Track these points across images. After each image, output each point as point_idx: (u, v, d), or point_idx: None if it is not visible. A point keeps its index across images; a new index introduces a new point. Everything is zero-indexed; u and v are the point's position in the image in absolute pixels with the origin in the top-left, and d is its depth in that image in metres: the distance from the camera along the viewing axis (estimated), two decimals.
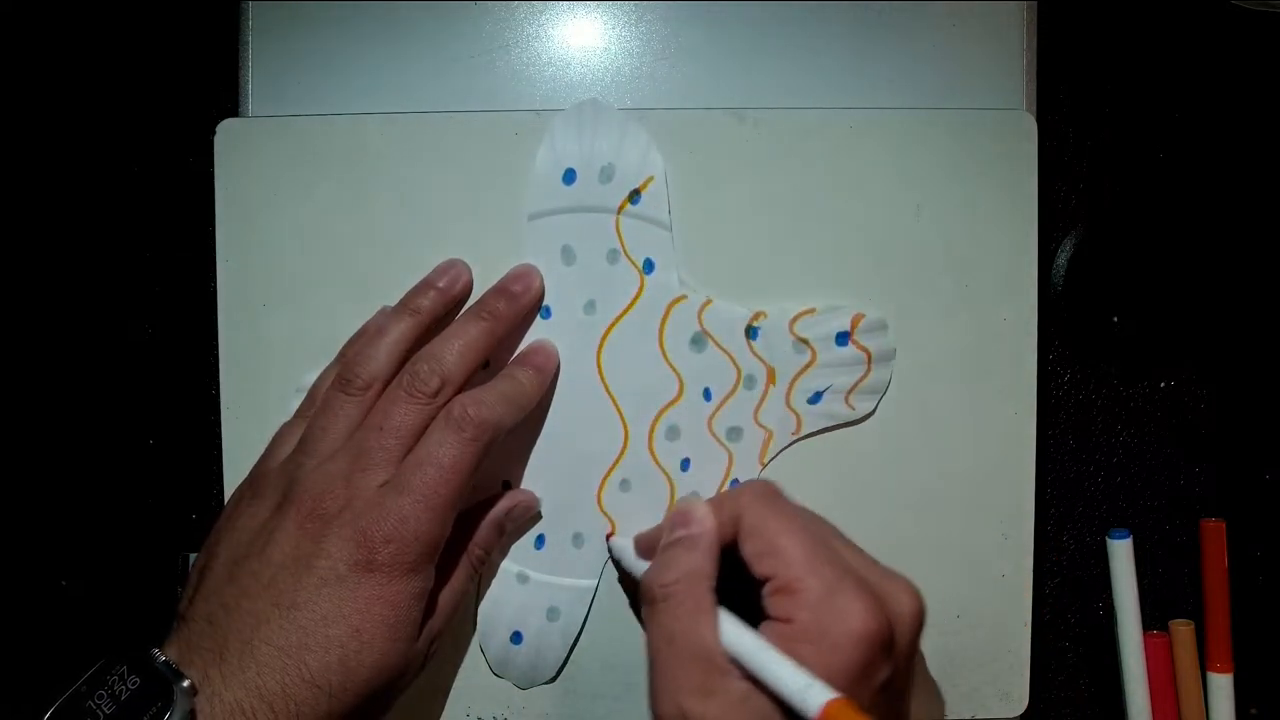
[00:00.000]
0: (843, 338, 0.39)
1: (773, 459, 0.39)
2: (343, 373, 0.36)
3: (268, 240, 0.39)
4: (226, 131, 0.39)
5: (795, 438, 0.39)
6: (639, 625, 0.39)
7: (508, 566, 0.39)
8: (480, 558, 0.37)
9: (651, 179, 0.38)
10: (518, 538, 0.39)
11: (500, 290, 0.38)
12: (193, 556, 0.42)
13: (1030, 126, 0.40)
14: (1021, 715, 0.41)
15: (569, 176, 0.38)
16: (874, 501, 0.40)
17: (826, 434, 0.39)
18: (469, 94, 0.40)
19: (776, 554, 0.30)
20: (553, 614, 0.39)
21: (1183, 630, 0.43)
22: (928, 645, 0.40)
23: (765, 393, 0.39)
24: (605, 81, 0.40)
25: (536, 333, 0.39)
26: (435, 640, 0.36)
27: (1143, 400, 0.44)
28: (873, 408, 0.39)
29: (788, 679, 0.28)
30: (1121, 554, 0.43)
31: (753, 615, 0.30)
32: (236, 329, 0.39)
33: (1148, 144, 0.44)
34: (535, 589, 0.39)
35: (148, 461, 0.43)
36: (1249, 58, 0.44)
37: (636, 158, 0.38)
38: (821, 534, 0.31)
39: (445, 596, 0.36)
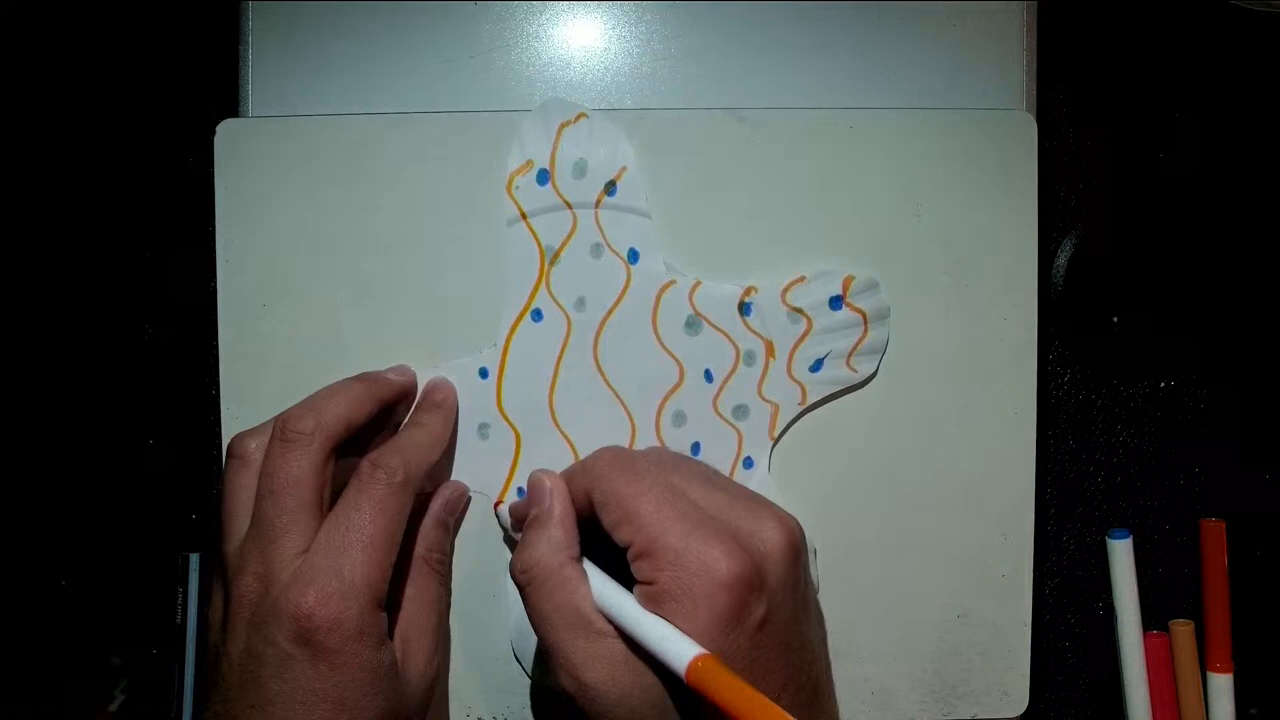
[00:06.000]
0: (836, 301, 0.39)
1: (783, 432, 0.39)
2: (232, 446, 0.34)
3: (268, 240, 0.39)
4: (226, 131, 0.39)
5: (802, 408, 0.39)
6: None
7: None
8: (440, 560, 0.37)
9: (625, 169, 0.38)
10: (458, 528, 0.39)
11: (375, 371, 0.38)
12: (193, 557, 0.42)
13: (1030, 126, 0.40)
14: (1021, 715, 0.41)
15: (542, 177, 0.38)
16: (874, 502, 0.40)
17: (825, 434, 0.39)
18: (469, 94, 0.40)
19: (630, 520, 0.30)
20: None
21: (1183, 630, 0.43)
22: (928, 645, 0.40)
23: (766, 367, 0.39)
24: (605, 81, 0.41)
25: (529, 336, 0.39)
26: (435, 656, 0.35)
27: (1143, 400, 0.44)
28: (874, 368, 0.39)
29: (656, 637, 0.28)
30: (1121, 554, 0.43)
31: (631, 579, 0.31)
32: (236, 329, 0.39)
33: (1148, 144, 0.44)
34: None
35: (148, 461, 0.43)
36: (1249, 58, 0.44)
37: (607, 150, 0.38)
38: (675, 486, 0.31)
39: (424, 612, 0.35)
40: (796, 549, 0.31)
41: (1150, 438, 0.44)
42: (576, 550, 0.32)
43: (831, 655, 0.39)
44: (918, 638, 0.40)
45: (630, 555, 0.30)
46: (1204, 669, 0.43)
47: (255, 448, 0.34)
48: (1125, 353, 0.44)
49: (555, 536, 0.32)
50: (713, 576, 0.29)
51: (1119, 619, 0.43)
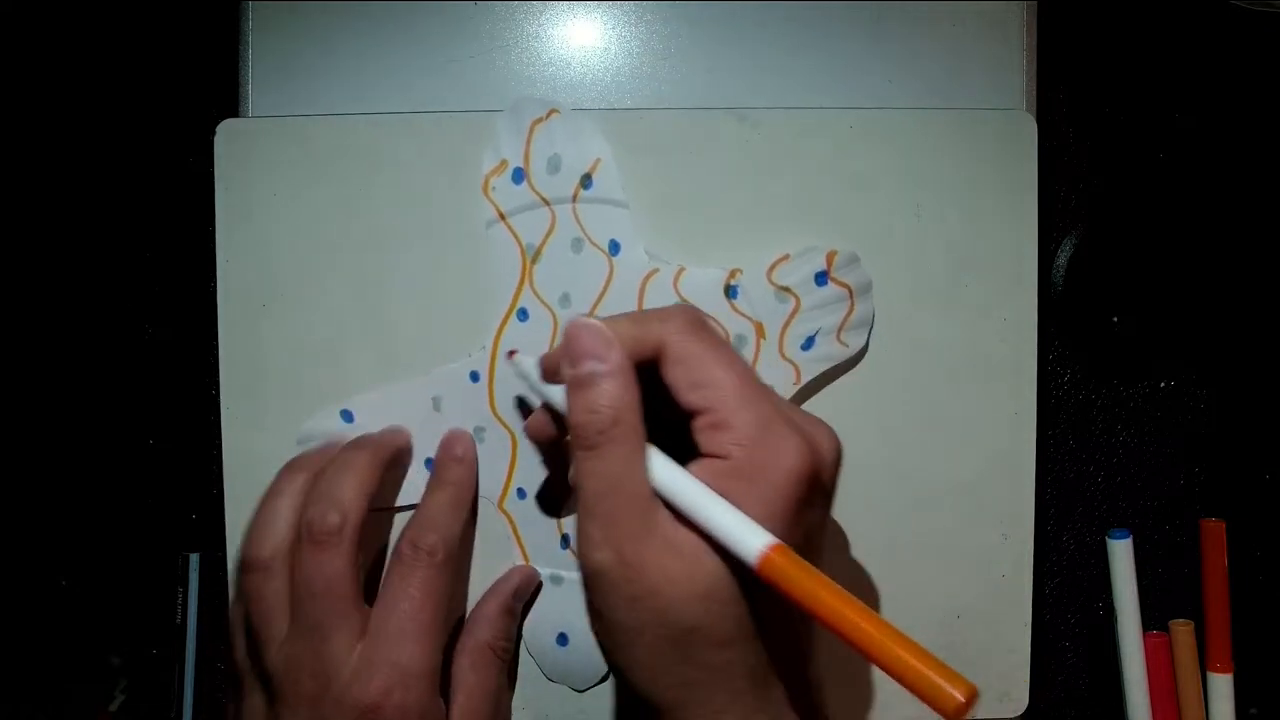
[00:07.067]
0: (821, 277, 0.38)
1: None
2: (245, 558, 0.34)
3: (268, 240, 0.39)
4: (226, 131, 0.39)
5: (797, 388, 0.39)
6: None
7: (539, 570, 0.39)
8: (505, 648, 0.37)
9: (599, 161, 0.38)
10: (526, 612, 0.39)
11: (372, 434, 0.37)
12: (193, 557, 0.42)
13: (1030, 126, 0.40)
14: (1021, 715, 0.41)
15: (517, 176, 0.38)
16: (874, 501, 0.40)
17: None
18: (469, 94, 0.40)
19: (709, 385, 0.29)
20: None
21: (1183, 630, 0.43)
22: (928, 645, 0.40)
23: (757, 349, 0.39)
24: (605, 81, 0.41)
25: (516, 336, 0.39)
26: None
27: (1143, 400, 0.44)
28: (864, 341, 0.39)
29: (725, 522, 0.27)
30: (1121, 554, 0.43)
31: (663, 442, 0.29)
32: (236, 329, 0.39)
33: (1148, 144, 0.44)
34: (570, 588, 0.39)
35: (148, 461, 0.43)
36: (1249, 58, 0.44)
37: (580, 144, 0.38)
38: (749, 368, 0.30)
39: (484, 702, 0.35)
40: (840, 462, 0.30)
41: (1150, 438, 0.44)
42: (642, 414, 0.29)
43: (831, 655, 0.40)
44: (918, 638, 0.40)
45: (701, 422, 0.29)
46: (1204, 669, 0.43)
47: (271, 556, 0.33)
48: (1125, 353, 0.44)
49: (624, 396, 0.29)
50: (788, 465, 0.28)
51: (1119, 619, 0.43)
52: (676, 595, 0.27)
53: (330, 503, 0.33)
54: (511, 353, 0.35)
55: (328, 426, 0.38)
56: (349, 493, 0.34)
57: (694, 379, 0.29)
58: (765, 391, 0.29)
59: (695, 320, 0.30)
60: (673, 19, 0.40)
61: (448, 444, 0.38)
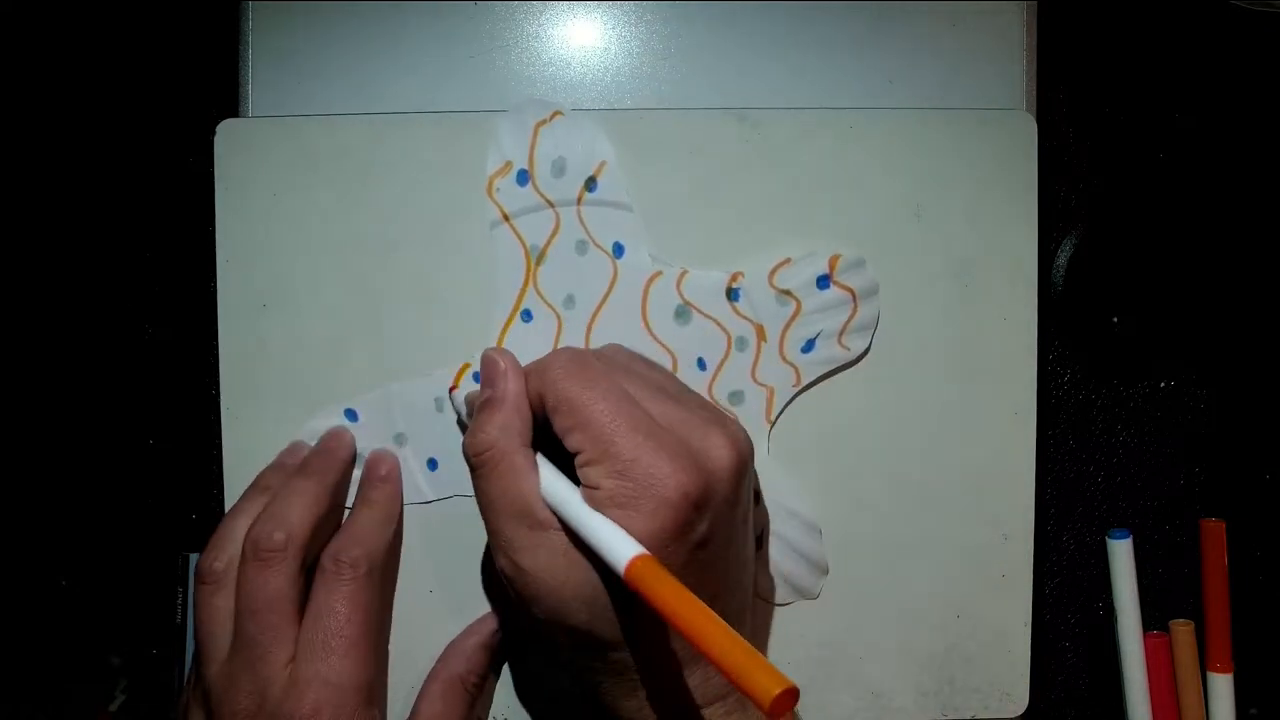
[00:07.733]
0: (823, 281, 0.39)
1: (780, 414, 0.39)
2: (200, 569, 0.34)
3: (268, 240, 0.39)
4: (226, 131, 0.39)
5: (798, 389, 0.39)
6: None
7: None
8: (477, 684, 0.37)
9: (604, 164, 0.38)
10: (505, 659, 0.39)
11: (317, 450, 0.38)
12: (193, 557, 0.42)
13: (1030, 126, 0.40)
14: (1021, 715, 0.41)
15: (522, 178, 0.38)
16: (874, 502, 0.40)
17: (824, 434, 0.39)
18: (469, 94, 0.40)
19: (582, 428, 0.30)
20: None
21: (1183, 630, 0.43)
22: (928, 645, 0.40)
23: (758, 351, 0.39)
24: (605, 81, 0.40)
25: (520, 337, 0.39)
26: None
27: (1143, 400, 0.44)
28: (867, 345, 0.39)
29: (599, 534, 0.29)
30: (1121, 554, 0.43)
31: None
32: (236, 329, 0.39)
33: (1148, 144, 0.44)
34: None
35: (148, 461, 0.43)
36: (1249, 58, 0.44)
37: (585, 146, 0.38)
38: (629, 393, 0.31)
39: None
40: (743, 468, 0.31)
41: (1150, 438, 0.44)
42: (529, 437, 0.32)
43: (831, 655, 0.40)
44: (918, 637, 0.40)
45: (579, 461, 0.30)
46: (1204, 669, 0.43)
47: (224, 569, 0.34)
48: (1125, 353, 0.44)
49: (508, 421, 0.32)
50: (658, 491, 0.29)
51: (1119, 619, 0.43)
52: (565, 598, 0.30)
53: (277, 521, 0.34)
54: (451, 389, 0.38)
55: (330, 426, 0.38)
56: (295, 513, 0.34)
57: (570, 423, 0.31)
58: (642, 418, 0.30)
59: (572, 363, 0.32)
60: (673, 19, 0.40)
61: (373, 464, 0.38)
